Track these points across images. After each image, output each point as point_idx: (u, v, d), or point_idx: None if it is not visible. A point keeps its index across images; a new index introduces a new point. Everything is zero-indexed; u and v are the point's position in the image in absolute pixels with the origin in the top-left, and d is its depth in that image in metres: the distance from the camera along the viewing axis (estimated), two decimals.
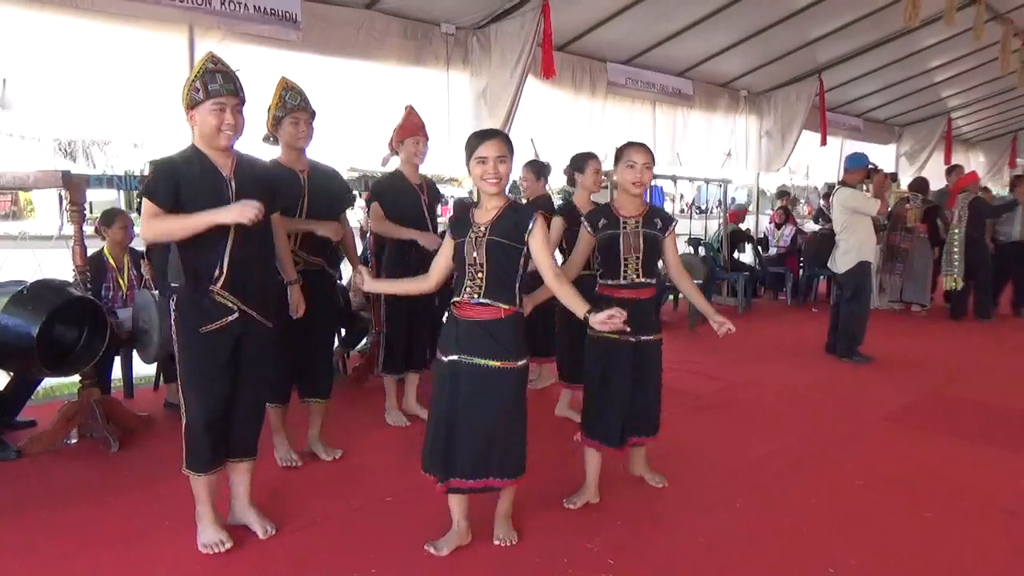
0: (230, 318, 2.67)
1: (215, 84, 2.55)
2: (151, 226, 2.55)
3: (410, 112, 4.22)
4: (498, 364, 2.65)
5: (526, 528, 3.04)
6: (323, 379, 3.78)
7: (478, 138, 2.68)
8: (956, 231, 7.99)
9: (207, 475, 2.78)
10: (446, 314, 2.82)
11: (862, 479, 3.60)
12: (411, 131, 4.16)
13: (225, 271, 2.62)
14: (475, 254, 2.65)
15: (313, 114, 3.55)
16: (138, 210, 2.79)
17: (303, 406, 3.80)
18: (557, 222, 4.06)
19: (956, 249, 7.99)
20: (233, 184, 2.65)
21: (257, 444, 2.95)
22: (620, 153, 3.19)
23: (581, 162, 4.30)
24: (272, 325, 2.87)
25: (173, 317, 2.70)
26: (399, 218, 4.10)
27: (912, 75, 10.34)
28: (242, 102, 2.65)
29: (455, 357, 2.69)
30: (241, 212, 2.47)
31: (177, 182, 2.55)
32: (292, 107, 3.45)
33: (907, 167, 13.03)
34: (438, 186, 4.60)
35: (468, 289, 2.67)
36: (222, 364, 2.70)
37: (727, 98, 9.62)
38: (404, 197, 4.14)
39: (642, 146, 3.17)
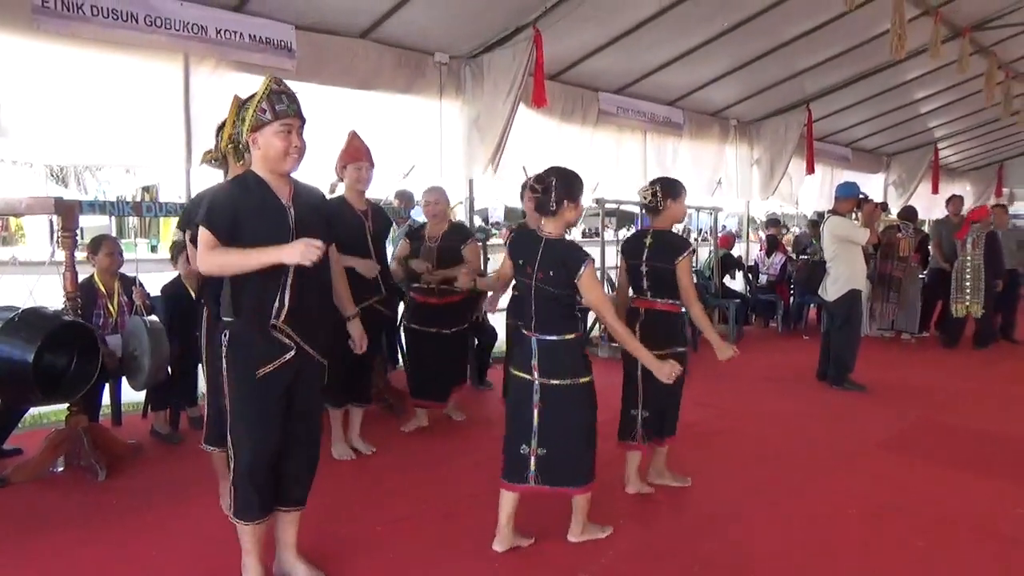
0: (287, 356, 2.51)
1: (282, 105, 2.45)
2: (209, 258, 2.43)
3: (352, 137, 4.09)
4: None
5: (515, 556, 3.02)
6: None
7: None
8: (968, 259, 7.97)
9: (257, 524, 2.62)
10: (580, 342, 3.11)
11: (855, 507, 3.59)
12: (354, 156, 4.03)
13: (287, 304, 2.49)
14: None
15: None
16: (193, 241, 2.76)
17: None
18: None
19: (968, 277, 7.95)
20: (292, 212, 2.52)
21: (308, 492, 2.77)
22: (682, 191, 3.65)
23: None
24: (325, 362, 2.70)
25: (225, 355, 2.51)
26: (341, 247, 3.86)
27: (899, 106, 10.52)
28: (304, 123, 2.54)
29: None
30: (305, 252, 2.33)
31: (235, 211, 2.43)
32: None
33: (895, 196, 13.19)
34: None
35: None
36: (277, 406, 2.53)
37: (717, 127, 9.73)
38: (346, 226, 3.95)
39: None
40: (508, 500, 3.08)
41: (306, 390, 2.63)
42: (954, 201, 9.05)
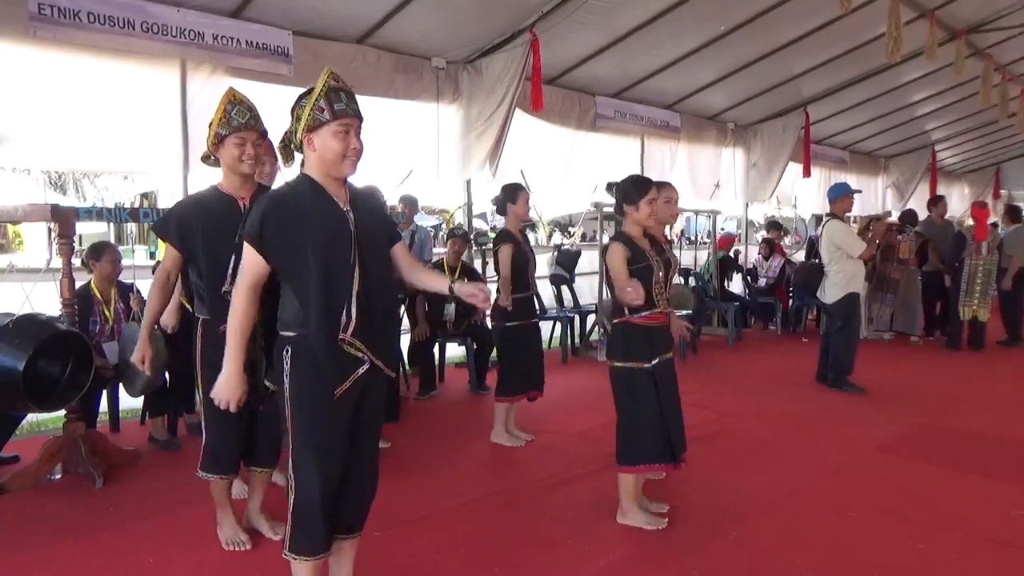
0: (362, 370, 2.29)
1: (340, 104, 2.24)
2: (236, 298, 2.27)
3: None
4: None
5: (514, 559, 3.01)
6: (269, 443, 3.15)
7: (647, 183, 3.31)
8: (981, 263, 7.87)
9: (320, 559, 2.38)
10: (622, 328, 3.28)
11: (855, 510, 3.58)
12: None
13: (354, 316, 2.25)
14: (660, 273, 3.29)
15: (264, 134, 3.04)
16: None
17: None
18: (507, 248, 4.40)
19: (979, 281, 7.86)
20: (351, 216, 2.30)
21: (367, 516, 2.57)
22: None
23: (513, 193, 4.51)
24: (394, 375, 2.46)
25: (288, 374, 2.25)
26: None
27: (896, 108, 10.54)
28: (362, 123, 2.33)
29: (657, 361, 3.27)
30: (225, 397, 2.29)
31: (290, 224, 2.23)
32: (238, 125, 2.90)
33: (894, 198, 13.21)
34: (426, 216, 4.63)
35: (660, 302, 3.28)
36: (345, 426, 2.32)
37: (715, 130, 9.75)
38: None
39: (671, 184, 3.73)
40: None
41: (372, 406, 2.42)
42: (939, 203, 9.06)
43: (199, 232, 2.91)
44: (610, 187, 3.48)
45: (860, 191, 6.41)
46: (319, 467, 2.28)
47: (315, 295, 2.22)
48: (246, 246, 2.24)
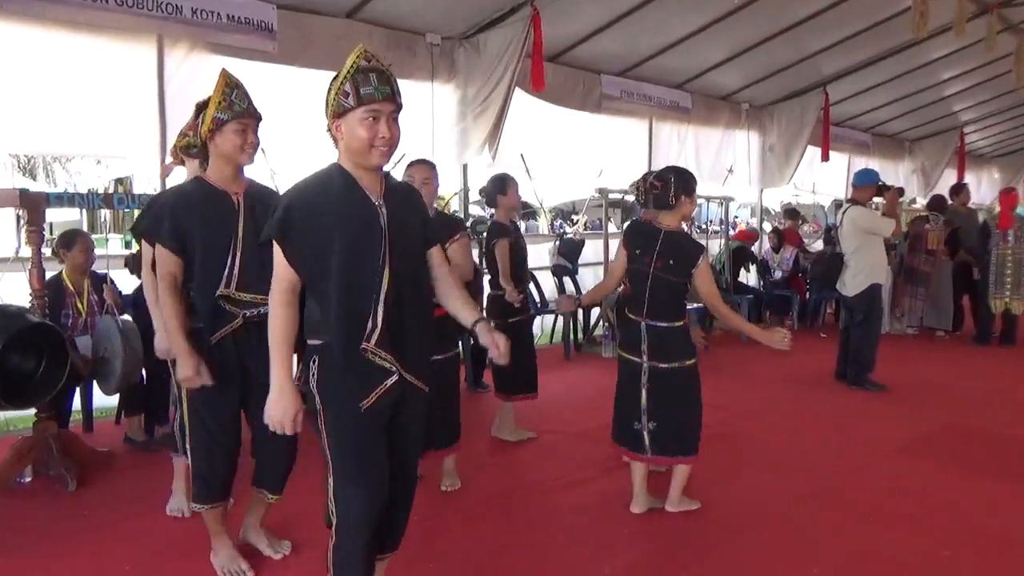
0: (390, 381, 2.22)
1: (368, 87, 2.13)
2: (272, 305, 2.19)
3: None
4: None
5: (515, 567, 3.02)
6: (276, 470, 3.06)
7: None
8: (1010, 252, 7.85)
9: None
10: (687, 328, 3.51)
11: (874, 514, 3.59)
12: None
13: (380, 323, 2.18)
14: None
15: (260, 120, 2.92)
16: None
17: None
18: (504, 243, 4.49)
19: (1010, 271, 7.83)
20: (384, 211, 2.22)
21: (403, 536, 2.53)
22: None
23: (503, 184, 4.61)
24: (428, 390, 2.39)
25: (317, 387, 2.21)
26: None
27: (922, 88, 10.48)
28: (399, 108, 2.22)
29: None
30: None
31: (315, 219, 2.15)
32: (240, 111, 2.79)
33: (919, 184, 13.16)
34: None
35: None
36: (381, 443, 2.26)
37: (728, 111, 9.71)
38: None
39: None
40: (635, 468, 3.59)
41: (407, 425, 2.35)
42: (962, 191, 9.06)
43: (196, 233, 2.79)
44: (664, 177, 3.48)
45: (884, 183, 6.40)
46: (361, 490, 2.23)
47: (337, 297, 2.16)
48: (275, 247, 2.17)
